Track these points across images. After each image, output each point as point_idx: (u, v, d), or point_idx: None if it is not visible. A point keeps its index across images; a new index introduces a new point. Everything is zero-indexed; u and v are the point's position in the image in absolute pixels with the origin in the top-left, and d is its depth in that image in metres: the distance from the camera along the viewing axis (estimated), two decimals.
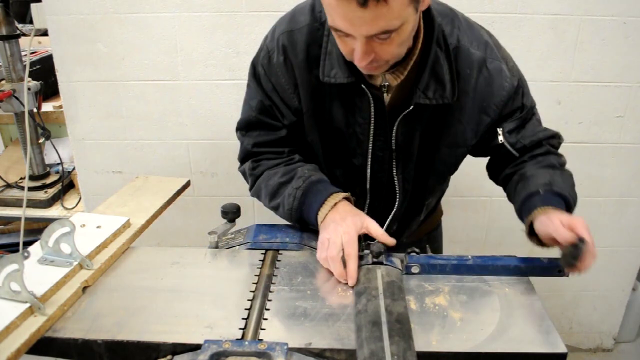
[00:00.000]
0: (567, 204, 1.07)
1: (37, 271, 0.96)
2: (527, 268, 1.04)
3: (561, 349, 0.85)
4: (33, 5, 1.86)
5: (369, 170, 1.20)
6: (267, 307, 0.93)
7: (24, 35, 2.01)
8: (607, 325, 2.28)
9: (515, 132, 1.15)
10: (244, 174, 1.25)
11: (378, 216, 1.26)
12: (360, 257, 1.00)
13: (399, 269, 1.00)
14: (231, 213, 1.18)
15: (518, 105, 1.13)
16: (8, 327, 0.81)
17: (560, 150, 1.20)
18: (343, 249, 0.99)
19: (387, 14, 0.84)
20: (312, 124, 1.17)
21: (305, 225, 1.16)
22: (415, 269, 1.03)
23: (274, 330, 0.87)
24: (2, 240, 2.31)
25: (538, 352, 0.85)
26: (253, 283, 1.00)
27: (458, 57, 1.07)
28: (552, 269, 1.04)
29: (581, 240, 0.97)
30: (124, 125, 1.91)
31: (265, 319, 0.90)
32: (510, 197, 1.18)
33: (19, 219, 1.95)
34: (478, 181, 1.94)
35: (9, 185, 2.15)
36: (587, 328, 2.28)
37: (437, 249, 1.53)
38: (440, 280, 1.01)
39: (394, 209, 1.25)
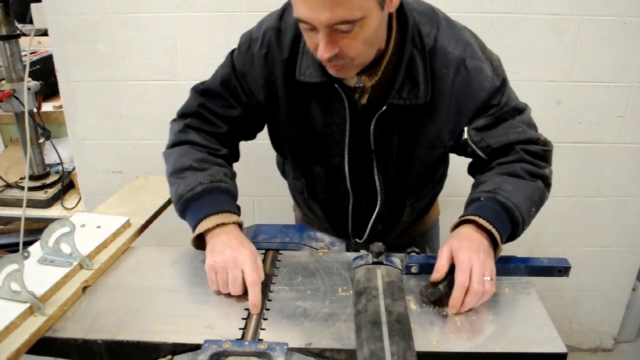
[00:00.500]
0: (511, 216, 1.00)
1: (37, 271, 0.96)
2: (527, 268, 1.04)
3: (561, 349, 0.85)
4: (33, 5, 1.85)
5: (347, 170, 1.19)
6: (267, 307, 0.93)
7: (24, 35, 2.01)
8: (607, 325, 2.28)
9: (481, 131, 1.09)
10: (171, 129, 1.20)
11: (362, 216, 1.28)
12: (360, 257, 1.01)
13: (399, 269, 1.00)
14: None
15: (494, 102, 1.08)
16: (8, 327, 0.81)
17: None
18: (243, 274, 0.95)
19: (347, 3, 0.85)
20: (290, 123, 1.16)
21: (183, 218, 1.10)
22: (415, 269, 1.03)
23: (273, 330, 0.87)
24: (2, 240, 2.31)
25: (538, 352, 0.85)
26: None
27: (434, 57, 1.04)
28: (552, 269, 1.04)
29: (448, 281, 0.94)
30: (124, 125, 1.91)
31: (265, 319, 0.90)
32: None
33: (19, 219, 1.95)
34: None
35: (9, 185, 2.15)
36: (587, 328, 2.28)
37: (434, 249, 1.53)
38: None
39: (376, 209, 1.25)
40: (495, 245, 0.98)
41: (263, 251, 1.11)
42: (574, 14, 1.71)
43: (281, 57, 1.09)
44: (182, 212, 1.08)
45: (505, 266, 1.04)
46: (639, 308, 2.26)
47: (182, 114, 1.19)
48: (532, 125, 1.12)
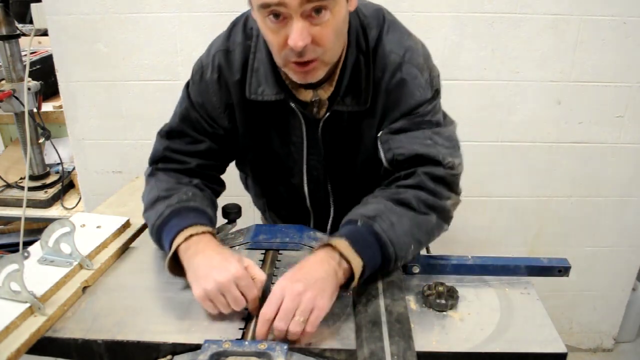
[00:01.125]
0: (384, 250, 0.92)
1: (37, 271, 0.96)
2: (527, 268, 1.04)
3: (561, 349, 0.85)
4: (33, 5, 1.85)
5: (306, 190, 1.18)
6: None
7: (24, 35, 2.01)
8: (607, 325, 2.28)
9: (392, 133, 1.04)
10: (145, 177, 1.15)
11: (324, 227, 1.26)
12: None
13: (399, 269, 1.00)
14: (232, 213, 1.18)
15: (418, 111, 1.03)
16: (8, 327, 0.81)
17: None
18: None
19: None
20: (249, 144, 1.14)
21: (160, 246, 1.05)
22: (415, 269, 1.03)
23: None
24: (2, 240, 2.31)
25: (538, 352, 0.85)
26: None
27: (375, 60, 1.03)
28: (552, 269, 1.04)
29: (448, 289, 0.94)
30: (124, 125, 1.91)
31: None
32: None
33: (19, 219, 1.95)
34: (478, 181, 1.94)
35: (9, 185, 2.15)
36: (587, 328, 2.28)
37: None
38: (440, 279, 1.00)
39: (330, 221, 1.23)
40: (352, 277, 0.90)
41: (263, 251, 1.11)
42: (574, 14, 1.71)
43: (233, 79, 1.06)
44: (158, 241, 1.04)
45: (506, 266, 1.04)
46: (639, 308, 2.26)
47: (151, 161, 1.15)
48: (451, 140, 1.06)
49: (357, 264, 0.89)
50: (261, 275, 0.91)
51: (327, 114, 1.05)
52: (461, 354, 0.84)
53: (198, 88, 1.10)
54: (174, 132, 1.13)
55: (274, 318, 0.83)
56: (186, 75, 1.11)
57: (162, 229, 1.00)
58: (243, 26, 1.08)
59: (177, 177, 1.10)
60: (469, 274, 1.04)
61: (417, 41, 1.08)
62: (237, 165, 1.26)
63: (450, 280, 1.02)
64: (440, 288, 0.95)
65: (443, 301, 0.93)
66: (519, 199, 1.99)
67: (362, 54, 1.02)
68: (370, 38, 1.03)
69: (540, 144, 1.89)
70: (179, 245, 0.95)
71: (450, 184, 1.04)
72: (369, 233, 0.93)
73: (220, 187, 1.20)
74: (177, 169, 1.12)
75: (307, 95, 1.05)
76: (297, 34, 0.87)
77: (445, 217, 1.03)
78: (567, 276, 1.04)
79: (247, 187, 1.38)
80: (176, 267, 0.96)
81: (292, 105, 1.04)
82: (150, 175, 1.13)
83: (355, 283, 0.90)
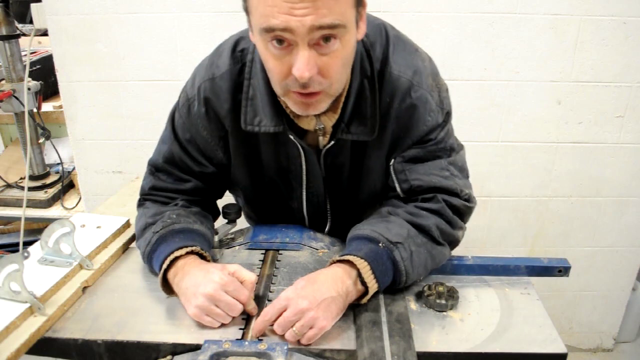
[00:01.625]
0: (397, 277, 0.93)
1: (37, 271, 0.96)
2: (527, 268, 1.04)
3: (561, 349, 0.85)
4: (33, 5, 1.85)
5: (305, 212, 1.16)
6: None
7: (24, 35, 2.01)
8: (607, 325, 2.27)
9: (408, 162, 1.01)
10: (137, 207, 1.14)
11: None
12: None
13: None
14: (232, 213, 1.18)
15: (431, 137, 1.00)
16: (8, 327, 0.81)
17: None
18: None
19: (333, 7, 0.77)
20: (243, 171, 1.11)
21: (152, 272, 1.04)
22: None
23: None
24: (2, 240, 2.31)
25: (538, 353, 0.85)
26: None
27: (381, 83, 0.97)
28: (552, 269, 1.04)
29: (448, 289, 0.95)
30: (124, 125, 1.91)
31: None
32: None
33: (19, 219, 1.94)
34: (478, 181, 1.94)
35: (9, 185, 2.14)
36: (587, 328, 2.28)
37: None
38: (440, 280, 1.00)
39: (325, 230, 1.20)
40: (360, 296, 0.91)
41: (263, 251, 1.11)
42: (574, 14, 1.71)
43: (223, 108, 1.01)
44: (151, 268, 1.03)
45: (506, 266, 1.04)
46: (639, 308, 2.26)
47: (140, 194, 1.14)
48: (463, 170, 1.05)
49: (373, 287, 0.90)
50: (250, 276, 0.91)
51: (331, 142, 1.01)
52: (461, 354, 0.84)
53: (186, 123, 1.05)
54: (159, 169, 1.11)
55: (274, 321, 0.84)
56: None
57: (151, 257, 1.00)
58: (231, 50, 1.00)
59: (163, 205, 1.10)
60: (469, 274, 1.04)
61: (424, 57, 1.02)
62: (230, 191, 1.24)
63: (450, 280, 1.02)
64: (441, 288, 0.95)
65: (443, 301, 0.93)
66: (519, 199, 1.99)
67: (366, 79, 0.96)
68: (375, 59, 0.97)
69: (540, 144, 1.89)
70: (166, 272, 0.94)
71: (464, 215, 1.04)
72: (388, 258, 0.92)
73: (214, 214, 1.18)
74: (163, 202, 1.10)
75: (309, 124, 1.00)
76: (304, 64, 0.80)
77: (454, 247, 1.05)
78: (567, 276, 1.04)
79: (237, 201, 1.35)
80: (170, 291, 0.96)
81: (291, 137, 1.00)
82: (139, 205, 1.13)
83: (362, 302, 0.91)
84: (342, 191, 1.12)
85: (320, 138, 1.03)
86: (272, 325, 0.85)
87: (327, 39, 0.80)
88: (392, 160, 1.03)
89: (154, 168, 1.12)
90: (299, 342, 0.84)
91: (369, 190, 1.10)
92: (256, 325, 0.85)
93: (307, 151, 1.03)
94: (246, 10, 0.85)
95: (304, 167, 1.06)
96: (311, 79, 0.82)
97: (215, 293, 0.86)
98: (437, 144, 1.01)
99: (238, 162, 1.09)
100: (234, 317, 0.89)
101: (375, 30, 0.99)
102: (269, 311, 0.85)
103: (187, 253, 0.95)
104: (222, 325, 0.88)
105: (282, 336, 0.85)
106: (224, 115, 1.02)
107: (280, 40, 0.81)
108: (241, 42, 1.01)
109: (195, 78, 1.04)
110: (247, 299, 0.88)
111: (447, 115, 1.02)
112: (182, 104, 1.06)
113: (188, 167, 1.09)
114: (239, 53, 1.00)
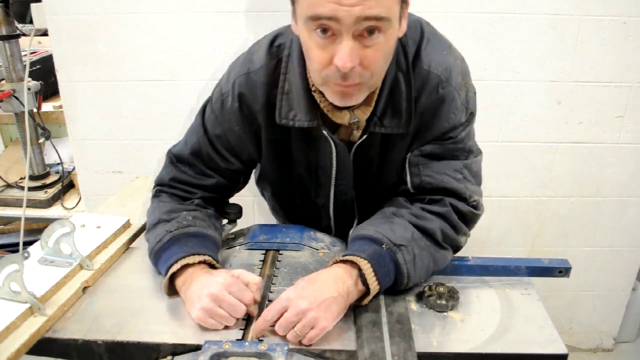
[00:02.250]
0: (398, 280, 0.93)
1: (37, 271, 0.96)
2: (528, 269, 1.04)
3: (562, 349, 0.85)
4: (33, 5, 1.85)
5: (331, 211, 1.16)
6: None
7: (24, 35, 2.00)
8: (607, 325, 2.27)
9: (423, 156, 1.01)
10: (151, 197, 1.14)
11: (344, 233, 1.22)
12: None
13: None
14: (232, 213, 1.18)
15: (452, 135, 1.00)
16: (8, 327, 0.81)
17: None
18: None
19: (380, 0, 0.78)
20: (274, 166, 1.12)
21: (157, 269, 1.03)
22: None
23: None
24: (2, 240, 2.31)
25: (539, 353, 0.85)
26: None
27: (414, 78, 0.97)
28: (552, 269, 1.04)
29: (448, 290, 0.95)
30: (124, 125, 1.91)
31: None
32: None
33: (19, 219, 1.94)
34: None
35: (9, 185, 2.14)
36: (587, 328, 2.28)
37: None
38: (440, 280, 1.01)
39: (351, 231, 1.19)
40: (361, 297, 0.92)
41: (263, 251, 1.11)
42: (574, 14, 1.71)
43: (258, 103, 1.01)
44: (155, 264, 1.02)
45: (506, 266, 1.04)
46: (639, 308, 2.26)
47: (157, 183, 1.14)
48: (477, 176, 1.05)
49: (374, 288, 0.90)
50: (255, 279, 0.91)
51: (364, 136, 1.01)
52: (462, 355, 0.84)
53: (218, 118, 1.06)
54: (183, 160, 1.10)
55: (275, 321, 0.84)
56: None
57: (159, 255, 0.99)
58: (268, 45, 1.01)
59: (180, 200, 1.10)
60: (470, 275, 1.04)
61: (456, 55, 1.02)
62: (257, 183, 1.24)
63: (450, 280, 1.02)
64: (441, 289, 0.95)
65: (444, 302, 0.93)
66: (519, 199, 1.99)
67: (401, 73, 0.96)
68: (409, 53, 0.97)
69: (540, 144, 1.89)
70: (175, 274, 0.94)
71: (469, 222, 1.04)
72: (391, 260, 0.93)
73: (222, 213, 1.18)
74: (181, 196, 1.11)
75: (343, 118, 0.99)
76: (347, 54, 0.80)
77: (456, 252, 1.04)
78: (568, 277, 1.04)
79: (263, 196, 1.37)
80: (173, 293, 0.96)
81: (325, 132, 1.00)
82: (155, 196, 1.12)
83: (363, 302, 0.91)
84: (369, 186, 1.12)
85: (354, 132, 1.03)
86: (272, 326, 0.85)
87: (371, 31, 0.81)
88: (409, 153, 1.03)
89: (176, 158, 1.11)
90: (300, 342, 0.84)
91: (393, 183, 1.10)
92: (257, 325, 0.85)
93: (339, 147, 1.03)
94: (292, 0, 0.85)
95: (334, 163, 1.06)
96: (352, 70, 0.82)
97: (219, 293, 0.86)
98: (456, 143, 1.01)
99: (269, 157, 1.10)
100: (237, 319, 0.88)
101: (411, 25, 0.98)
102: (269, 312, 0.85)
103: (199, 262, 0.95)
104: (225, 327, 0.88)
105: (283, 337, 0.85)
106: (257, 109, 1.02)
107: (324, 30, 0.81)
108: (279, 38, 1.02)
109: (230, 73, 1.05)
110: (250, 300, 0.88)
111: (471, 115, 1.02)
112: (215, 99, 1.06)
113: (214, 162, 1.09)
114: (275, 48, 1.01)
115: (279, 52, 1.00)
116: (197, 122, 1.11)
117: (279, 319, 0.85)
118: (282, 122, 1.00)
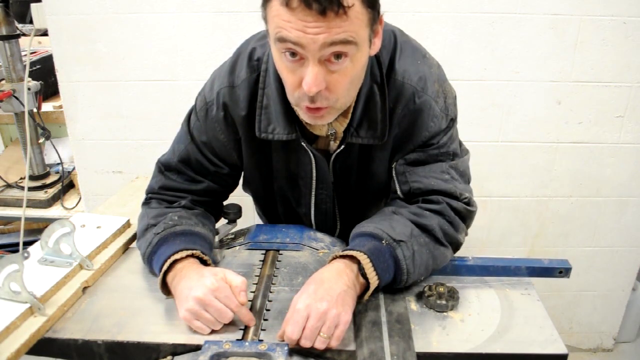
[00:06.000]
0: (397, 276, 0.94)
1: (37, 271, 0.96)
2: (528, 269, 1.04)
3: (562, 350, 0.85)
4: (33, 5, 1.85)
5: (313, 219, 1.17)
6: (267, 308, 0.93)
7: (24, 35, 2.01)
8: (607, 325, 2.27)
9: (409, 164, 1.03)
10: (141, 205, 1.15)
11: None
12: None
13: None
14: (232, 213, 1.18)
15: (434, 142, 1.01)
16: (8, 327, 0.81)
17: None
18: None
19: (346, 27, 0.78)
20: (255, 176, 1.13)
21: (152, 273, 1.03)
22: None
23: (274, 331, 0.87)
24: (2, 240, 2.31)
25: (539, 353, 0.85)
26: (253, 283, 1.00)
27: (388, 90, 0.98)
28: (552, 269, 1.04)
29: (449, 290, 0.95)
30: (124, 125, 1.91)
31: (266, 320, 0.90)
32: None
33: (19, 219, 1.94)
34: (478, 181, 1.94)
35: (9, 185, 2.14)
36: (587, 328, 2.28)
37: None
38: (440, 280, 1.01)
39: (335, 235, 1.22)
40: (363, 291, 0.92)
41: (263, 251, 1.11)
42: (574, 14, 1.71)
43: (240, 115, 1.03)
44: (150, 270, 1.03)
45: (506, 267, 1.04)
46: (639, 308, 2.26)
47: (147, 192, 1.14)
48: (464, 175, 1.06)
49: (374, 282, 0.90)
50: (236, 280, 0.89)
51: (341, 147, 1.02)
52: (462, 355, 0.84)
53: (203, 126, 1.07)
54: (172, 168, 1.12)
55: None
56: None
57: (152, 259, 1.00)
58: (248, 59, 1.02)
59: (168, 204, 1.11)
60: (470, 275, 1.04)
61: (431, 63, 1.02)
62: (243, 188, 1.25)
63: (450, 280, 1.02)
64: (441, 289, 0.95)
65: (443, 302, 0.93)
66: (519, 199, 1.99)
67: (376, 84, 0.98)
68: (383, 65, 0.98)
69: (540, 144, 1.89)
70: (166, 274, 0.94)
71: (466, 218, 1.04)
72: (390, 256, 0.93)
73: (218, 214, 1.18)
74: (169, 200, 1.11)
75: (321, 130, 1.02)
76: (312, 79, 0.82)
77: (456, 250, 1.05)
78: (568, 277, 1.04)
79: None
80: (169, 292, 0.96)
81: (303, 144, 1.02)
82: (144, 204, 1.13)
83: (364, 299, 0.92)
84: (349, 196, 1.13)
85: (331, 143, 1.05)
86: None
87: (338, 56, 0.82)
88: (395, 163, 1.05)
89: (165, 167, 1.12)
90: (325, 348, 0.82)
91: (375, 193, 1.12)
92: (290, 342, 0.82)
93: (317, 157, 1.05)
94: (264, 18, 0.86)
95: (314, 173, 1.08)
96: (318, 94, 0.84)
97: (205, 297, 0.85)
98: (439, 148, 1.02)
99: (250, 167, 1.11)
100: (225, 326, 0.88)
101: (385, 36, 0.98)
102: (293, 330, 0.82)
103: (187, 256, 0.95)
104: (213, 331, 0.87)
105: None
106: (239, 122, 1.04)
107: (293, 53, 0.82)
108: (256, 51, 1.03)
109: (214, 83, 1.06)
110: (237, 307, 0.87)
111: (452, 121, 1.03)
112: (199, 107, 1.07)
113: (203, 168, 1.10)
114: (255, 62, 1.02)
115: (258, 66, 1.02)
116: (183, 130, 1.12)
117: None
118: (261, 136, 1.01)
